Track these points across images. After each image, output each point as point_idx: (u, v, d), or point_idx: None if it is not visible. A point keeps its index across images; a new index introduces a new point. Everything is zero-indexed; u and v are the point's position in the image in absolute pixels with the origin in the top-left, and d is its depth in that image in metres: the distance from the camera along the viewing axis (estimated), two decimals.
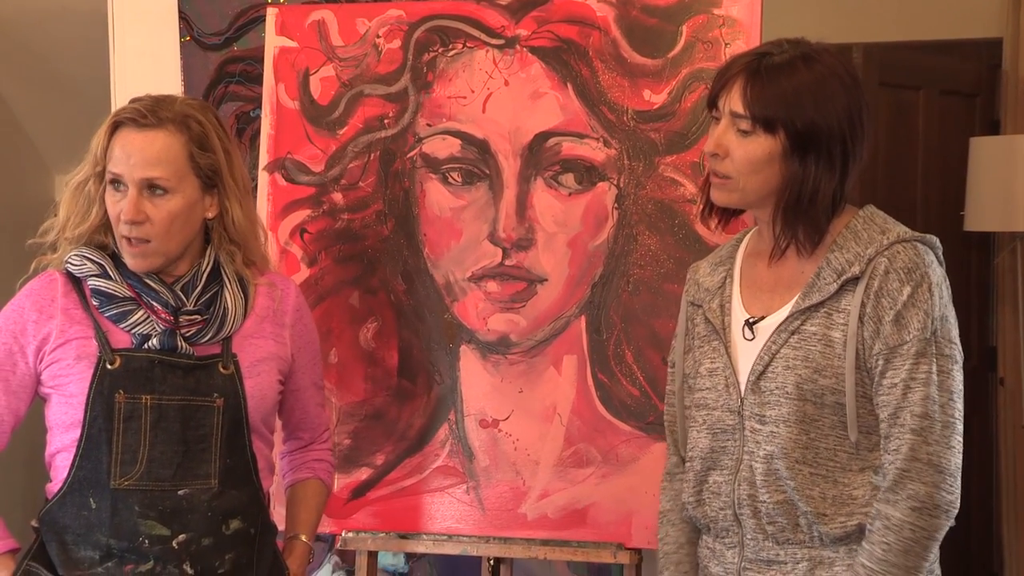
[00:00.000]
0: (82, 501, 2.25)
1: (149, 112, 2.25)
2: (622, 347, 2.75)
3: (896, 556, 2.06)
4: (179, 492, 2.25)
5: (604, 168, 2.78)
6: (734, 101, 2.14)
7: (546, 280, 2.79)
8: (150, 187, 2.24)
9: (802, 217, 2.15)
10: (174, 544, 2.24)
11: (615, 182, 2.77)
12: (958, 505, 2.09)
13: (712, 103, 2.19)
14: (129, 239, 2.25)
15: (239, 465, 2.30)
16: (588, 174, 2.79)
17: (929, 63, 4.82)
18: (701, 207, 2.28)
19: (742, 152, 2.14)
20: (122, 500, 2.23)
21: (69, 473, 2.25)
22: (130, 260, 2.28)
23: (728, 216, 2.28)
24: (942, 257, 2.16)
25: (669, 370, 2.35)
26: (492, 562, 2.88)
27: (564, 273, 2.78)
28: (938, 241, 2.17)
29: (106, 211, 2.28)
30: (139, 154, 2.24)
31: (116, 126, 2.26)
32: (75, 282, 2.30)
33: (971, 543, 4.69)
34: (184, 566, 2.25)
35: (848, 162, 2.14)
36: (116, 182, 2.25)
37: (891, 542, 2.06)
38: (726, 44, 2.74)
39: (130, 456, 2.23)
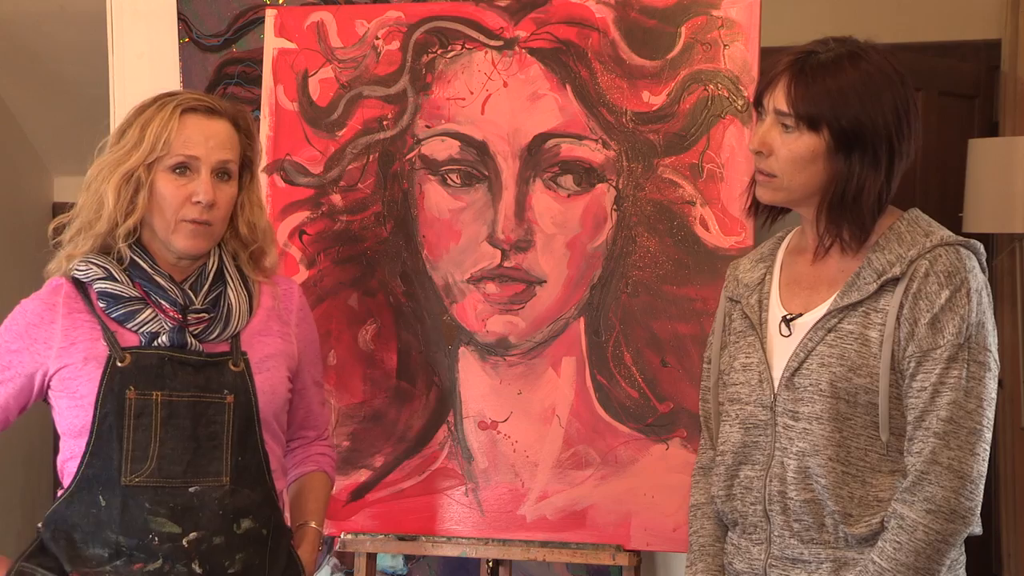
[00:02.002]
0: (91, 499, 2.24)
1: (213, 102, 2.33)
2: (621, 349, 2.75)
3: (906, 556, 2.06)
4: (190, 489, 2.25)
5: (603, 169, 2.78)
6: (778, 99, 2.14)
7: (545, 282, 2.79)
8: (219, 172, 2.30)
9: (846, 215, 2.14)
10: (184, 542, 2.24)
11: (614, 183, 2.77)
12: (977, 512, 2.09)
13: (757, 101, 2.19)
14: (193, 221, 2.28)
15: (251, 463, 2.31)
16: (587, 175, 2.79)
17: (928, 64, 4.82)
18: (747, 204, 2.28)
19: (786, 150, 2.14)
20: (132, 497, 2.23)
21: (78, 471, 2.25)
22: (188, 241, 2.29)
23: (775, 214, 2.28)
24: (985, 263, 2.15)
25: (705, 366, 2.35)
26: (491, 564, 2.88)
27: (563, 274, 2.78)
28: (982, 247, 2.16)
29: (149, 200, 2.28)
30: (215, 138, 2.29)
31: (183, 113, 2.29)
32: (80, 288, 2.31)
33: (970, 543, 4.69)
34: (193, 565, 2.24)
35: (894, 161, 2.13)
36: (183, 167, 2.28)
37: (903, 542, 2.06)
38: (725, 46, 2.74)
39: (141, 453, 2.23)
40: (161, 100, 2.31)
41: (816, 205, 2.17)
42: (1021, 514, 4.67)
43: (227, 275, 2.35)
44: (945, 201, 4.69)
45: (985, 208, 4.47)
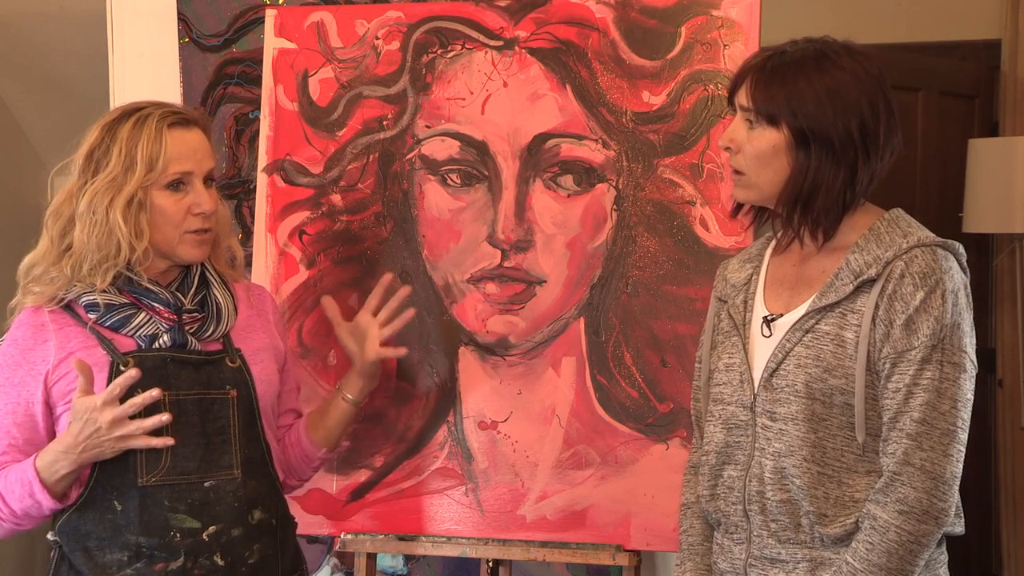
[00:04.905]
0: (105, 505, 2.27)
1: (186, 112, 2.36)
2: (621, 349, 2.75)
3: (879, 557, 2.06)
4: (205, 484, 2.29)
5: (603, 169, 2.78)
6: (742, 95, 2.17)
7: (545, 282, 2.79)
8: (206, 180, 2.35)
9: (803, 211, 2.15)
10: (204, 536, 2.28)
11: (614, 183, 2.77)
12: (951, 514, 2.08)
13: (730, 99, 2.22)
14: (199, 231, 2.33)
15: (256, 455, 2.36)
16: (587, 175, 2.79)
17: (928, 65, 4.82)
18: (732, 206, 2.30)
19: (751, 146, 2.17)
20: (151, 496, 2.26)
21: (89, 479, 2.27)
22: (195, 251, 2.34)
23: (763, 216, 2.28)
24: (966, 264, 2.15)
25: (696, 365, 2.36)
26: (491, 564, 2.88)
27: (563, 275, 2.78)
28: (962, 248, 2.15)
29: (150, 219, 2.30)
30: (201, 148, 2.34)
31: (168, 128, 2.31)
32: (62, 307, 2.31)
33: (970, 543, 4.70)
34: (215, 558, 2.28)
35: (858, 161, 2.13)
36: (178, 182, 2.31)
37: (875, 543, 2.06)
38: (725, 46, 2.74)
39: (154, 453, 2.26)
40: (135, 116, 2.30)
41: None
42: (1021, 514, 4.67)
43: (210, 277, 2.39)
44: (945, 201, 4.69)
45: (985, 208, 4.47)
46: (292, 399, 2.59)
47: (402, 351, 2.65)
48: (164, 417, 2.21)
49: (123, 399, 2.23)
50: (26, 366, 2.29)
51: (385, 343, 2.59)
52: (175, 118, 2.32)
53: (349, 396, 2.58)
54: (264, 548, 2.34)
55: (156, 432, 2.25)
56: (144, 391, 2.25)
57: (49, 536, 2.33)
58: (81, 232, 2.28)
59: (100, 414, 2.16)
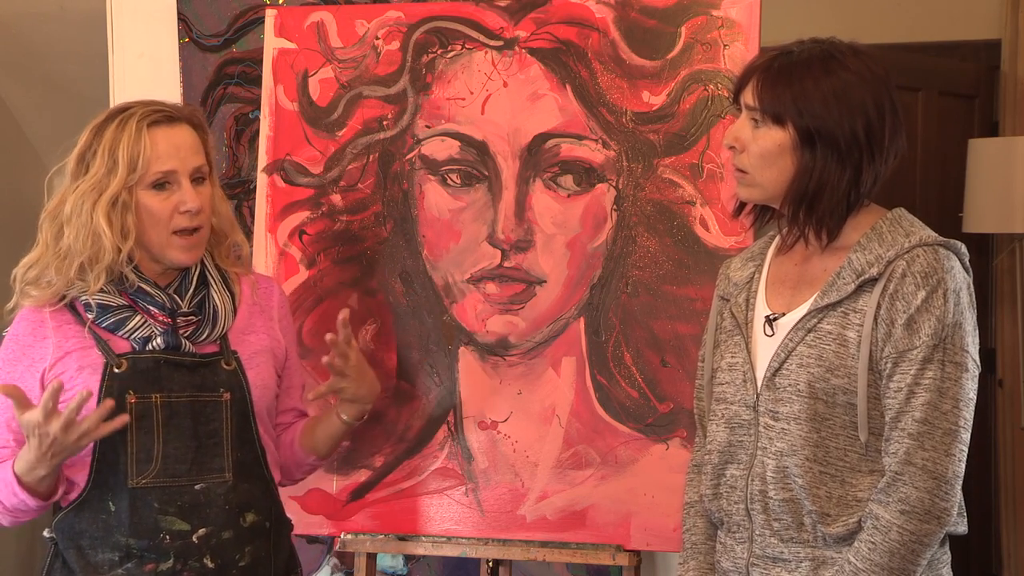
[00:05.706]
0: (100, 505, 2.28)
1: (171, 109, 2.33)
2: (621, 349, 2.75)
3: (881, 557, 2.06)
4: (196, 487, 2.29)
5: (603, 169, 2.78)
6: (748, 94, 2.17)
7: (545, 282, 2.79)
8: (195, 178, 2.32)
9: (808, 211, 2.15)
10: (194, 539, 2.28)
11: (614, 183, 2.77)
12: (953, 513, 2.08)
13: (735, 99, 2.21)
14: (187, 231, 2.30)
15: (249, 458, 2.36)
16: (587, 175, 2.79)
17: (928, 65, 4.82)
18: (734, 206, 2.30)
19: (756, 145, 2.16)
20: (141, 498, 2.27)
21: (88, 479, 2.28)
22: (184, 254, 2.31)
23: (765, 216, 2.28)
24: (968, 264, 2.15)
25: (699, 364, 2.36)
26: (491, 564, 2.87)
27: (563, 275, 2.78)
28: (964, 247, 2.15)
29: (137, 220, 2.29)
30: (185, 147, 2.31)
31: (149, 127, 2.29)
32: (64, 304, 2.32)
33: (970, 543, 4.70)
34: (205, 560, 2.29)
35: (863, 162, 2.14)
36: (163, 182, 2.29)
37: (877, 542, 2.06)
38: (725, 46, 2.74)
39: (145, 455, 2.27)
40: (119, 117, 2.30)
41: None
42: (1021, 514, 4.67)
43: (209, 277, 2.38)
44: (945, 201, 4.69)
45: (985, 208, 4.47)
46: (295, 398, 2.56)
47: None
48: (112, 409, 2.18)
49: (120, 399, 2.24)
50: (25, 362, 2.31)
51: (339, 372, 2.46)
52: (158, 116, 2.30)
53: (344, 417, 2.51)
54: (256, 551, 2.34)
55: (147, 435, 2.26)
56: (136, 393, 2.27)
57: (45, 533, 2.35)
58: (69, 234, 2.28)
59: (48, 427, 2.13)
